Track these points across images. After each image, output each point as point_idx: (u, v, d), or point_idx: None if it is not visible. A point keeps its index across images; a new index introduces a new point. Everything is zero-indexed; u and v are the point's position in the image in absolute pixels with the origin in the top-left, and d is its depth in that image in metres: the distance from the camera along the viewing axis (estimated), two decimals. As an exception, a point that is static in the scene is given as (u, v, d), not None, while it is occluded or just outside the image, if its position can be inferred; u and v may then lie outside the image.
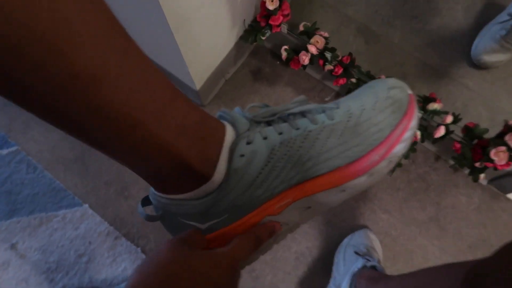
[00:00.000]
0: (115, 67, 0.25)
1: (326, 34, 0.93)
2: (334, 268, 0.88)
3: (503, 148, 0.74)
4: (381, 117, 0.34)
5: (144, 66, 0.28)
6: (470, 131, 0.83)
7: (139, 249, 0.94)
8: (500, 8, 1.05)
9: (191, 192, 0.32)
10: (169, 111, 0.29)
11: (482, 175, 0.88)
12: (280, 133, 0.33)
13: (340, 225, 0.95)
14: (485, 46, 0.98)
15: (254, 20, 0.96)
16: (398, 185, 0.97)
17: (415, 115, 0.35)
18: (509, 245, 0.32)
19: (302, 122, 0.34)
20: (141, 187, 0.98)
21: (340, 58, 0.92)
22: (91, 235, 0.95)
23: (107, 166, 1.00)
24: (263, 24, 0.93)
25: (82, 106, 0.25)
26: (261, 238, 0.35)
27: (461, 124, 0.87)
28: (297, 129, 0.34)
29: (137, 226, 0.96)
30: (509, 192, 0.93)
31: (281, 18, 0.90)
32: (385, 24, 1.09)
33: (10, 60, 0.22)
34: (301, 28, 0.94)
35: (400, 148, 0.35)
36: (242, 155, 0.32)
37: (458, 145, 0.84)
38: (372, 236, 0.90)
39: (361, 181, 0.35)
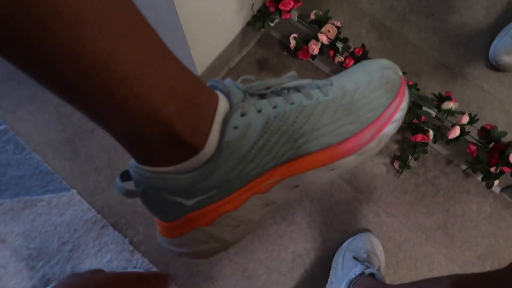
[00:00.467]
0: (100, 9, 0.23)
1: (338, 24, 0.88)
2: (332, 272, 0.82)
3: (524, 151, 0.69)
4: (374, 96, 0.34)
5: (133, 14, 0.26)
6: (488, 133, 0.78)
7: (126, 240, 0.88)
8: (522, 9, 0.99)
9: (178, 164, 0.30)
10: (158, 69, 0.27)
11: (496, 182, 0.82)
12: (275, 107, 0.32)
13: (341, 227, 0.89)
14: (504, 46, 0.92)
15: (263, 6, 0.91)
16: (405, 188, 0.92)
17: (406, 96, 0.36)
18: None
19: (297, 96, 0.33)
20: (133, 175, 0.93)
21: (352, 49, 0.86)
22: (77, 222, 0.89)
23: (98, 152, 0.95)
24: (272, 9, 0.88)
25: (64, 50, 0.23)
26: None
27: (477, 125, 0.81)
28: (292, 103, 0.33)
29: (126, 216, 0.91)
30: (523, 202, 0.88)
31: (292, 3, 0.85)
32: (400, 20, 1.04)
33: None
34: (312, 16, 0.89)
35: (391, 128, 0.35)
36: (236, 127, 0.31)
37: (473, 148, 0.79)
38: (375, 241, 0.84)
39: (351, 160, 0.34)
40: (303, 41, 0.91)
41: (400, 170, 0.91)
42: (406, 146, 0.91)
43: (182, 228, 0.34)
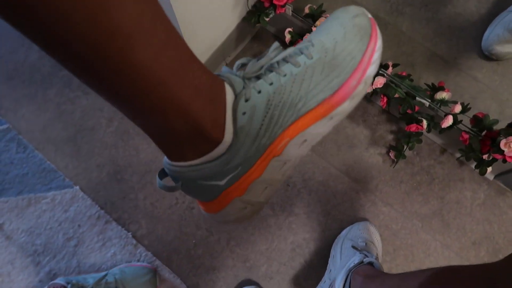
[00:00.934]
0: (149, 25, 0.27)
1: (332, 17, 0.89)
2: (330, 261, 0.84)
3: (515, 138, 0.71)
4: (352, 46, 0.37)
5: (169, 25, 0.30)
6: (480, 122, 0.80)
7: (130, 234, 0.90)
8: (513, -1, 1.01)
9: (206, 155, 0.34)
10: (188, 71, 0.31)
11: (489, 169, 0.84)
12: (271, 84, 0.36)
13: (339, 217, 0.91)
14: (497, 35, 0.94)
15: (258, 1, 0.92)
16: (401, 178, 0.94)
17: (379, 36, 0.40)
18: None
19: (287, 67, 0.37)
20: (134, 171, 0.95)
21: (345, 42, 0.88)
22: (80, 218, 0.91)
23: (100, 149, 0.97)
24: (267, 4, 0.89)
25: (115, 63, 0.26)
26: None
27: (470, 114, 0.83)
28: (284, 75, 0.36)
29: (129, 211, 0.93)
30: (516, 188, 0.90)
31: (286, -2, 0.86)
32: (394, 11, 1.06)
33: (55, 19, 0.23)
34: (307, 10, 0.91)
35: (372, 69, 0.39)
36: (244, 113, 0.34)
37: (466, 136, 0.80)
38: (372, 229, 0.87)
39: (345, 106, 0.38)
40: (298, 35, 0.92)
41: (395, 160, 0.93)
42: (401, 136, 0.93)
43: (222, 203, 0.39)
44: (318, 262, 0.89)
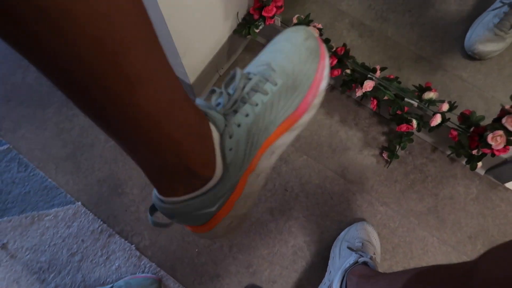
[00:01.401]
0: (152, 71, 0.28)
1: (320, 26, 0.92)
2: (330, 263, 0.86)
3: (500, 132, 0.74)
4: (307, 67, 0.42)
5: (169, 70, 0.31)
6: (467, 119, 0.83)
7: (133, 247, 0.91)
8: (492, 0, 1.05)
9: (199, 190, 0.36)
10: (182, 112, 0.33)
11: (479, 164, 0.87)
12: (247, 115, 0.39)
13: (337, 219, 0.94)
14: (478, 35, 0.98)
15: (248, 14, 0.96)
16: (395, 177, 0.96)
17: (326, 54, 0.44)
18: (495, 248, 0.36)
19: (257, 97, 0.40)
20: (134, 184, 0.97)
21: (334, 49, 0.91)
22: (84, 233, 0.92)
23: (100, 164, 0.99)
24: (256, 16, 0.93)
25: (118, 103, 0.27)
26: None
27: (457, 112, 0.86)
28: (257, 105, 0.40)
29: (131, 224, 0.94)
30: (506, 181, 0.93)
31: (275, 9, 0.89)
32: (378, 18, 1.10)
33: (71, 64, 0.25)
34: (295, 20, 0.94)
35: (324, 84, 0.43)
36: (231, 149, 0.38)
37: (454, 133, 0.84)
38: (369, 229, 0.89)
39: (304, 118, 0.43)
40: (288, 45, 0.95)
41: (389, 160, 0.96)
42: (393, 137, 0.96)
43: (212, 224, 0.41)
44: (320, 264, 0.90)
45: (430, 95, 0.87)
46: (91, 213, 0.94)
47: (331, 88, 1.03)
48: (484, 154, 0.83)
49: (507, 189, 0.94)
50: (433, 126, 0.85)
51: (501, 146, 0.75)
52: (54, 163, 0.99)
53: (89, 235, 0.92)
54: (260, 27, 0.95)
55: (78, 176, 0.98)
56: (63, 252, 0.91)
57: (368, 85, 0.90)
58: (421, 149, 0.98)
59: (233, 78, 0.41)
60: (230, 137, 0.38)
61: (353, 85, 0.93)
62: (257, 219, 0.95)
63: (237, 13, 0.95)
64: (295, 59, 0.42)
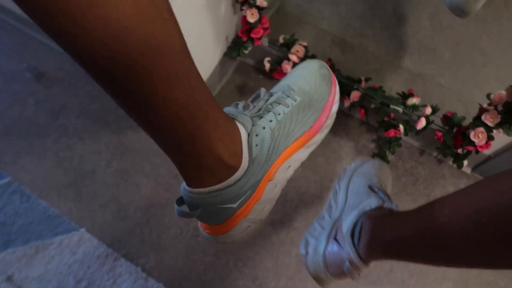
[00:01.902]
0: (188, 71, 0.34)
1: (305, 43, 0.99)
2: (332, 196, 0.69)
3: (481, 129, 0.79)
4: (321, 90, 0.48)
5: (197, 71, 0.37)
6: (449, 120, 0.89)
7: (139, 268, 0.93)
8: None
9: (226, 181, 0.41)
10: (211, 108, 0.38)
11: (465, 162, 0.92)
12: (271, 121, 0.45)
13: (337, 225, 0.97)
14: None
15: (236, 37, 1.02)
16: (388, 182, 1.01)
17: (336, 83, 0.51)
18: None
19: (280, 108, 0.46)
20: (137, 207, 0.99)
21: (320, 64, 0.97)
22: (89, 259, 0.93)
23: (102, 189, 1.01)
24: (245, 39, 0.98)
25: (163, 98, 0.33)
26: None
27: (439, 115, 0.92)
28: (279, 114, 0.45)
29: (136, 246, 0.95)
30: (492, 177, 0.98)
31: (262, 31, 0.95)
32: (357, 35, 1.17)
33: (135, 98, 0.32)
34: (281, 40, 1.00)
35: (336, 107, 0.50)
36: (257, 145, 0.43)
37: (439, 134, 0.89)
38: (387, 171, 0.73)
39: (318, 137, 0.49)
40: (276, 63, 1.01)
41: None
42: (382, 143, 1.01)
43: (230, 225, 0.45)
44: (324, 271, 0.93)
45: (413, 101, 0.93)
46: (95, 239, 0.95)
47: (320, 101, 1.08)
48: (469, 152, 0.88)
49: (494, 184, 1.00)
50: (419, 129, 0.90)
51: (483, 142, 0.80)
52: (56, 192, 1.00)
53: (95, 261, 0.93)
54: (249, 48, 1.01)
55: (80, 202, 0.99)
56: (70, 280, 0.91)
57: (355, 95, 0.95)
58: (410, 153, 1.03)
59: (258, 96, 0.48)
60: (257, 135, 0.43)
61: (340, 96, 0.99)
62: (259, 232, 0.97)
63: (226, 36, 1.00)
64: (311, 82, 0.49)
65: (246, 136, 0.42)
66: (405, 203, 0.98)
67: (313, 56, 0.97)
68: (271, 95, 0.47)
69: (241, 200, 0.43)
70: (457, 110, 1.04)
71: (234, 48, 1.01)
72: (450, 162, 1.00)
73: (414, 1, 1.21)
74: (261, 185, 0.44)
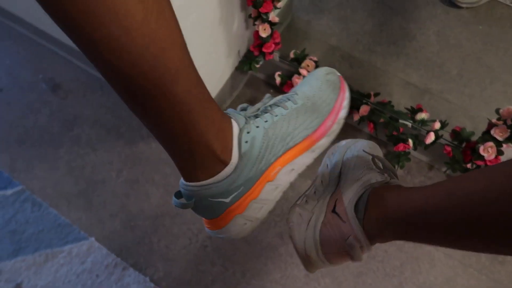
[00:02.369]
0: (188, 67, 0.36)
1: (315, 58, 1.01)
2: (322, 170, 0.59)
3: (491, 143, 0.80)
4: (326, 95, 0.48)
5: (195, 69, 0.38)
6: (458, 135, 0.90)
7: (147, 279, 0.93)
8: (467, 30, 1.16)
9: (216, 176, 0.42)
10: (208, 104, 0.40)
11: (474, 177, 0.92)
12: (266, 121, 0.45)
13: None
14: None
15: (248, 51, 1.04)
16: (396, 196, 1.01)
17: (347, 89, 0.50)
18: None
19: (278, 110, 0.46)
20: (146, 216, 0.99)
21: (330, 78, 0.99)
22: (98, 268, 0.94)
23: (111, 199, 1.02)
24: (256, 53, 1.01)
25: (164, 92, 0.35)
26: None
27: (448, 130, 0.93)
28: (276, 115, 0.46)
29: (145, 256, 0.96)
30: (501, 193, 0.98)
31: (273, 46, 0.98)
32: (366, 50, 1.19)
33: (139, 103, 0.35)
34: (292, 55, 1.02)
35: (343, 113, 0.49)
36: (246, 141, 0.43)
37: (448, 149, 0.90)
38: (380, 151, 0.63)
39: (323, 142, 0.48)
40: (287, 77, 1.03)
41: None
42: (391, 157, 1.02)
43: (225, 220, 0.46)
44: (331, 284, 0.92)
45: (422, 115, 0.94)
46: (104, 248, 0.96)
47: (328, 115, 1.10)
48: (478, 167, 0.89)
49: (503, 200, 1.00)
50: (428, 144, 0.91)
51: (493, 157, 0.81)
52: (67, 201, 1.01)
53: (103, 270, 0.94)
54: (260, 63, 1.03)
55: (90, 212, 1.00)
56: (78, 288, 0.92)
57: (364, 109, 0.97)
58: (419, 168, 1.04)
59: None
60: (248, 132, 0.44)
61: (349, 110, 1.00)
62: (267, 243, 0.97)
63: (239, 51, 1.03)
64: (316, 87, 0.49)
65: (238, 131, 0.43)
66: (414, 217, 0.98)
67: (323, 71, 0.99)
68: (272, 98, 0.49)
69: (233, 195, 0.44)
70: (465, 125, 1.05)
71: (246, 62, 1.03)
72: (459, 177, 1.01)
73: (421, 18, 1.23)
74: (257, 184, 0.45)
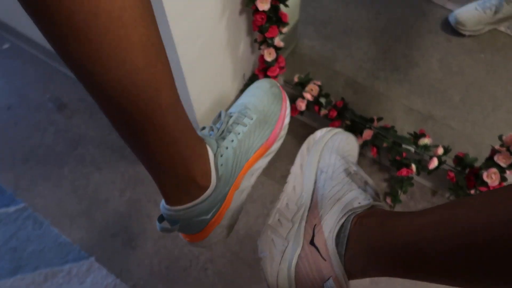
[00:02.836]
0: (176, 100, 0.40)
1: (319, 83, 1.02)
2: (295, 169, 0.53)
3: (494, 169, 0.80)
4: (274, 106, 0.56)
5: (181, 103, 0.41)
6: (461, 160, 0.90)
7: (147, 301, 0.91)
8: (469, 58, 1.17)
9: (198, 198, 0.46)
10: (190, 133, 0.44)
11: (478, 204, 0.92)
12: (232, 141, 0.51)
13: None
14: (463, 9, 1.23)
15: (253, 75, 1.06)
16: (400, 221, 1.00)
17: (287, 98, 0.59)
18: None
19: (239, 127, 0.52)
20: (148, 237, 0.99)
21: (333, 103, 1.00)
22: (97, 288, 0.93)
23: (114, 219, 1.01)
24: (261, 77, 1.02)
25: (155, 124, 0.38)
26: None
27: (451, 155, 0.93)
28: (239, 133, 0.52)
29: (144, 278, 0.95)
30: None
31: (278, 70, 0.99)
32: (370, 76, 1.21)
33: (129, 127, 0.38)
34: (296, 79, 1.04)
35: (287, 120, 0.58)
36: (222, 164, 0.49)
37: (452, 174, 0.90)
38: (357, 145, 0.59)
39: (275, 147, 0.57)
40: (291, 101, 1.04)
41: (392, 205, 1.00)
42: (394, 182, 1.01)
43: (206, 232, 0.50)
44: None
45: (425, 141, 0.94)
46: (104, 268, 0.95)
47: (332, 139, 1.10)
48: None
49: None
50: (431, 169, 0.91)
51: (496, 183, 0.81)
52: (69, 219, 1.01)
53: (103, 291, 0.92)
54: (265, 86, 1.04)
55: (92, 231, 1.00)
56: (76, 309, 0.90)
57: (367, 134, 0.97)
58: (422, 193, 1.03)
59: (219, 117, 0.54)
60: (221, 155, 0.49)
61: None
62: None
63: (244, 74, 1.04)
64: (265, 100, 0.57)
65: (213, 157, 0.47)
66: (417, 244, 0.97)
67: (326, 95, 1.01)
68: (230, 116, 0.53)
69: (213, 211, 0.48)
70: (468, 151, 1.05)
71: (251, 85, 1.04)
72: (463, 204, 1.00)
73: (424, 46, 1.25)
74: (229, 195, 0.50)
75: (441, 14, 1.31)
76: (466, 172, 0.90)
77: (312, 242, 0.43)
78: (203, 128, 0.52)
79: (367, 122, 0.99)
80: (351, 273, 0.40)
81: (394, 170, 1.03)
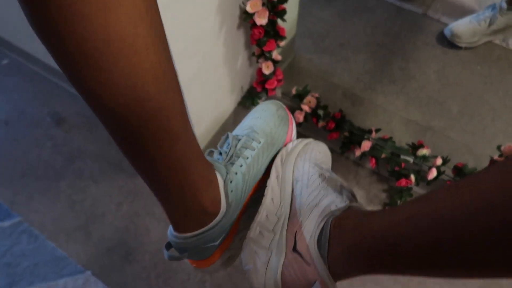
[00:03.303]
0: (185, 129, 0.39)
1: (317, 95, 1.02)
2: (272, 183, 0.53)
3: (494, 178, 0.79)
4: (280, 129, 0.55)
5: (192, 130, 0.41)
6: (460, 171, 0.89)
7: (143, 316, 0.89)
8: (466, 70, 1.18)
9: (208, 225, 0.45)
10: (199, 161, 0.43)
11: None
12: (241, 165, 0.50)
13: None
14: (459, 22, 1.25)
15: (251, 87, 1.06)
16: (400, 233, 0.99)
17: (293, 120, 0.57)
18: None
19: (247, 152, 0.51)
20: (146, 250, 0.97)
21: (332, 114, 1.00)
22: (93, 304, 0.91)
23: (111, 233, 1.00)
24: (259, 89, 1.03)
25: (164, 153, 0.37)
26: None
27: (450, 166, 0.93)
28: (247, 158, 0.50)
29: (141, 292, 0.93)
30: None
31: (276, 82, 1.00)
32: (367, 89, 1.21)
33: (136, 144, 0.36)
34: (294, 91, 1.04)
35: (293, 144, 0.56)
36: (232, 191, 0.47)
37: (451, 184, 0.89)
38: (329, 154, 0.60)
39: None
40: (289, 113, 1.04)
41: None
42: (393, 193, 1.01)
43: (214, 258, 0.48)
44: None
45: (423, 151, 0.94)
46: (100, 282, 0.93)
47: (330, 150, 1.10)
48: (482, 204, 0.88)
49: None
50: (430, 180, 0.91)
51: (496, 192, 0.80)
52: (65, 234, 1.00)
53: (99, 306, 0.91)
54: (263, 98, 1.05)
55: (88, 245, 0.98)
56: (71, 326, 0.88)
57: (366, 145, 0.97)
58: (422, 205, 1.02)
59: (226, 139, 0.52)
60: (231, 182, 0.47)
61: (351, 146, 1.00)
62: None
63: (242, 87, 1.05)
64: (271, 123, 0.55)
65: (223, 183, 0.46)
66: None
67: (324, 107, 1.01)
68: (238, 139, 0.52)
69: (222, 237, 0.47)
70: (467, 162, 1.05)
71: (249, 97, 1.05)
72: (463, 215, 0.99)
73: (421, 58, 1.26)
74: (237, 219, 0.49)
75: (437, 27, 1.33)
76: (466, 182, 0.89)
77: (295, 249, 0.44)
78: (211, 151, 0.51)
79: (365, 133, 0.99)
80: (336, 274, 0.41)
81: (393, 181, 1.02)
